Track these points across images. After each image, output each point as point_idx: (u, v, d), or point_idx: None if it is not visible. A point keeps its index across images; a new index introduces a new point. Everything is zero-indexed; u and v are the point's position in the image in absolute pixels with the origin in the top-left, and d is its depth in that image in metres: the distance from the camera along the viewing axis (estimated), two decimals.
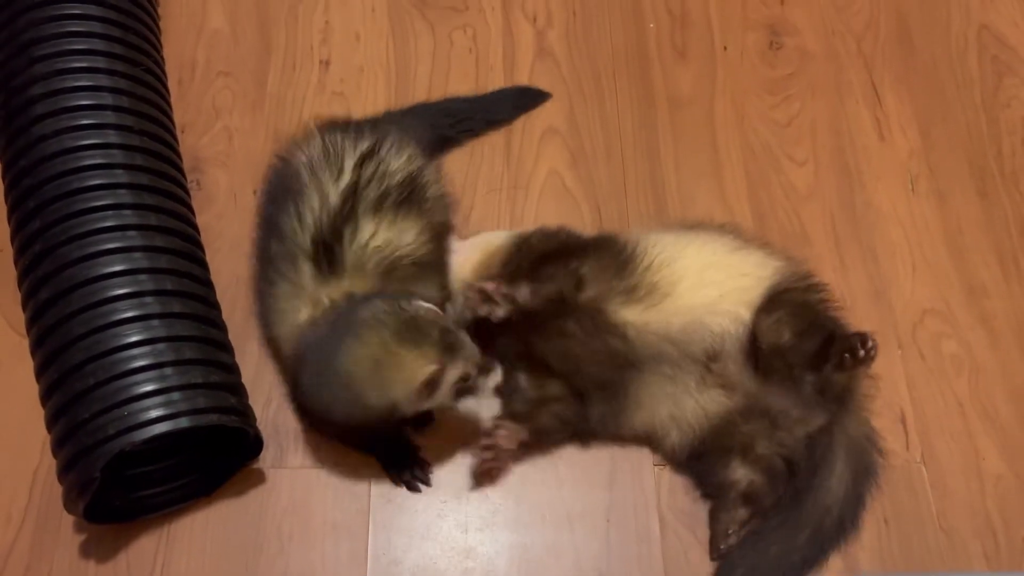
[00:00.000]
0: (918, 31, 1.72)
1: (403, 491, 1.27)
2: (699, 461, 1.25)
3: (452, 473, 1.28)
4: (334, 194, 1.22)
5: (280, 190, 1.29)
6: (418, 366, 1.09)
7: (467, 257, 1.33)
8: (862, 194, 1.54)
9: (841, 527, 1.23)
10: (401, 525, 1.25)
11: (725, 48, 1.68)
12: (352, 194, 1.22)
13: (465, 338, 1.13)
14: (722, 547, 1.22)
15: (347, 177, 1.24)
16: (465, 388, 1.17)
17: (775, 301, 1.23)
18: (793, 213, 1.52)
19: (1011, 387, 1.38)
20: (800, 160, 1.57)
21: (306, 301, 1.19)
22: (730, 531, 1.22)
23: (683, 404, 1.23)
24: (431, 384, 1.10)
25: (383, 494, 1.27)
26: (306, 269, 1.20)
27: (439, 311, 1.14)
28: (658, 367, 1.22)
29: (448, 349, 1.11)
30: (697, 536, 1.26)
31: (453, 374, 1.12)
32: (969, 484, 1.31)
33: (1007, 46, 1.71)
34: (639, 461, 1.30)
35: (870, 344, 1.16)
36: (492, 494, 1.27)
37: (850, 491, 1.23)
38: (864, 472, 1.25)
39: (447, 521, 1.26)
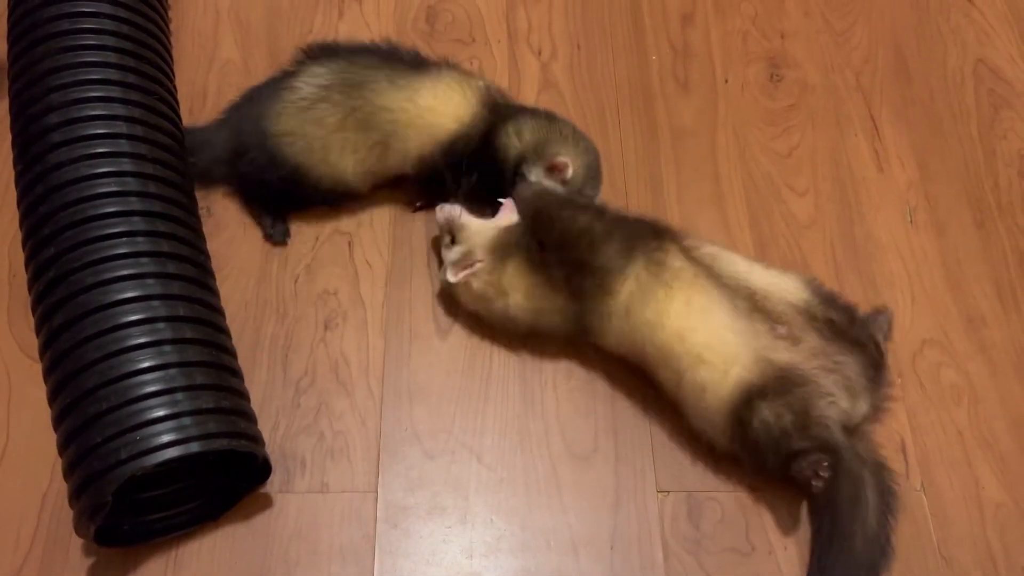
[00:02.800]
0: (915, 65, 1.75)
1: (409, 517, 1.28)
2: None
3: (458, 499, 1.30)
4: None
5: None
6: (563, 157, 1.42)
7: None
8: (861, 225, 1.57)
9: (883, 552, 1.25)
10: (407, 550, 1.26)
11: (726, 80, 1.71)
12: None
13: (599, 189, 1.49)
14: None
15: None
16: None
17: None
18: (794, 242, 1.54)
19: (1010, 416, 1.40)
20: (801, 190, 1.60)
21: (458, 99, 1.45)
22: None
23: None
24: (553, 169, 1.42)
25: (389, 519, 1.28)
26: (418, 89, 1.45)
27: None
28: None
29: (589, 176, 1.45)
30: (700, 562, 1.27)
31: (569, 172, 1.42)
32: (969, 513, 1.32)
33: (1003, 80, 1.75)
34: (643, 488, 1.31)
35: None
36: (497, 519, 1.29)
37: (881, 515, 1.25)
38: (887, 494, 1.27)
39: (452, 547, 1.27)
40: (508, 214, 1.42)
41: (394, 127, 1.43)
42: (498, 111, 1.46)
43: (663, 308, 1.28)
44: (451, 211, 1.41)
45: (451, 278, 1.37)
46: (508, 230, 1.39)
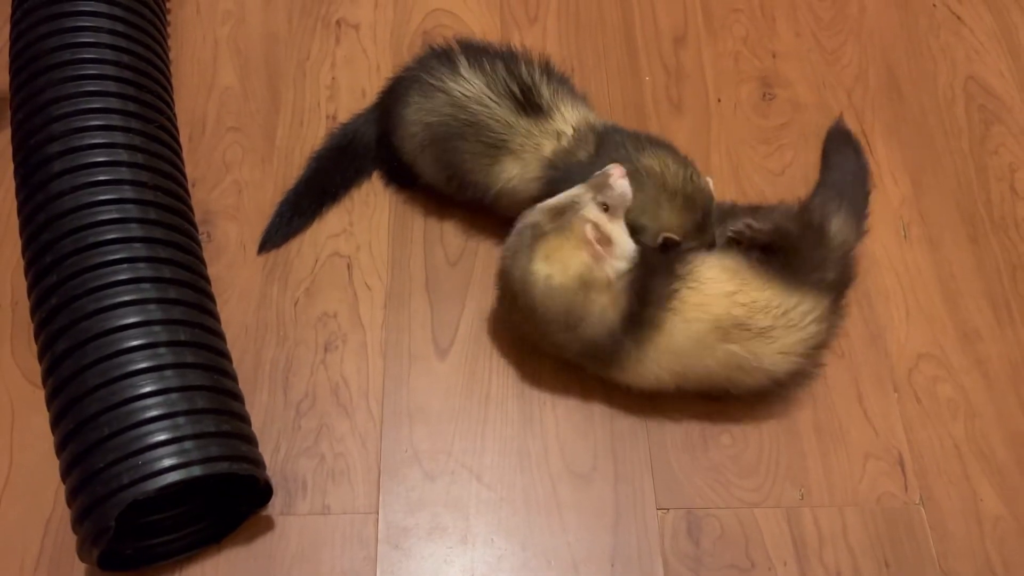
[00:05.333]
0: (906, 83, 1.77)
1: (410, 538, 1.29)
2: None
3: (459, 519, 1.30)
4: (500, 68, 1.42)
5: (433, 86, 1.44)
6: (668, 229, 1.33)
7: None
8: None
9: None
10: (408, 571, 1.27)
11: (719, 100, 1.73)
12: (514, 61, 1.44)
13: (713, 226, 1.36)
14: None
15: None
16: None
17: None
18: None
19: (1007, 430, 1.41)
20: None
21: (543, 138, 1.38)
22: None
23: None
24: (666, 245, 1.33)
25: (390, 540, 1.29)
26: (520, 121, 1.39)
27: (712, 190, 1.38)
28: None
29: (698, 230, 1.35)
30: None
31: (687, 245, 1.35)
32: (968, 526, 1.33)
33: (993, 95, 1.77)
34: (642, 505, 1.32)
35: None
36: (498, 539, 1.29)
37: None
38: None
39: (453, 567, 1.27)
40: None
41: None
42: (562, 167, 1.38)
43: (713, 314, 1.28)
44: (627, 186, 1.30)
45: (589, 232, 1.25)
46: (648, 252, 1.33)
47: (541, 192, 1.38)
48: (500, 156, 1.40)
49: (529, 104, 1.39)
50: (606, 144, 1.39)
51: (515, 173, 1.40)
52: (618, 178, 1.29)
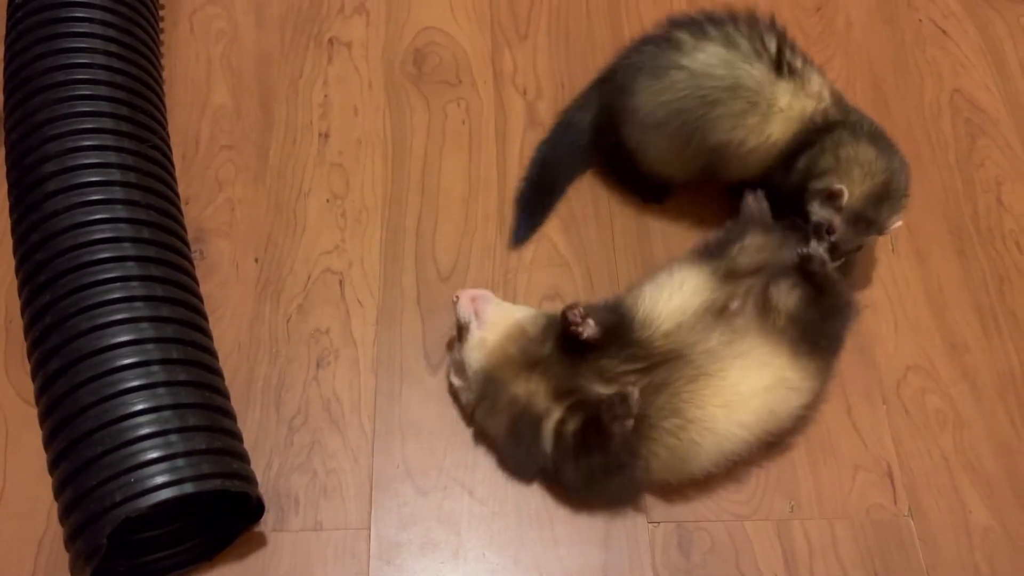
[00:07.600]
0: (893, 96, 1.79)
1: (402, 553, 1.29)
2: None
3: (451, 534, 1.31)
4: (734, 32, 1.42)
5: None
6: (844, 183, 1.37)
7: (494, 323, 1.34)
8: None
9: None
10: None
11: None
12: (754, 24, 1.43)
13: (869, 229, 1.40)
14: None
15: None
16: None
17: None
18: None
19: (995, 441, 1.42)
20: None
21: (807, 100, 1.41)
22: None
23: None
24: (831, 196, 1.37)
25: (382, 556, 1.29)
26: (780, 81, 1.40)
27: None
28: None
29: (858, 217, 1.38)
30: None
31: (844, 199, 1.36)
32: (957, 537, 1.34)
33: (979, 109, 1.78)
34: (633, 519, 1.33)
35: None
36: (489, 554, 1.30)
37: None
38: None
39: None
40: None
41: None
42: (820, 125, 1.42)
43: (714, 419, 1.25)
44: (463, 306, 1.34)
45: (451, 378, 1.38)
46: (503, 361, 1.30)
47: (785, 151, 1.41)
48: (769, 114, 1.40)
49: (785, 64, 1.40)
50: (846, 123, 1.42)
51: (776, 131, 1.41)
52: (457, 303, 1.36)
